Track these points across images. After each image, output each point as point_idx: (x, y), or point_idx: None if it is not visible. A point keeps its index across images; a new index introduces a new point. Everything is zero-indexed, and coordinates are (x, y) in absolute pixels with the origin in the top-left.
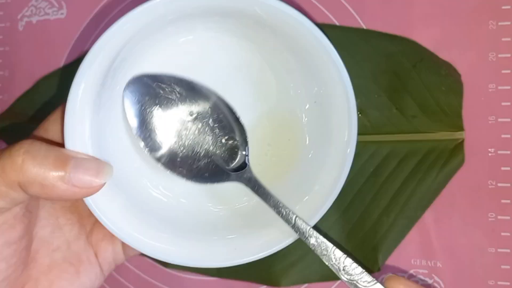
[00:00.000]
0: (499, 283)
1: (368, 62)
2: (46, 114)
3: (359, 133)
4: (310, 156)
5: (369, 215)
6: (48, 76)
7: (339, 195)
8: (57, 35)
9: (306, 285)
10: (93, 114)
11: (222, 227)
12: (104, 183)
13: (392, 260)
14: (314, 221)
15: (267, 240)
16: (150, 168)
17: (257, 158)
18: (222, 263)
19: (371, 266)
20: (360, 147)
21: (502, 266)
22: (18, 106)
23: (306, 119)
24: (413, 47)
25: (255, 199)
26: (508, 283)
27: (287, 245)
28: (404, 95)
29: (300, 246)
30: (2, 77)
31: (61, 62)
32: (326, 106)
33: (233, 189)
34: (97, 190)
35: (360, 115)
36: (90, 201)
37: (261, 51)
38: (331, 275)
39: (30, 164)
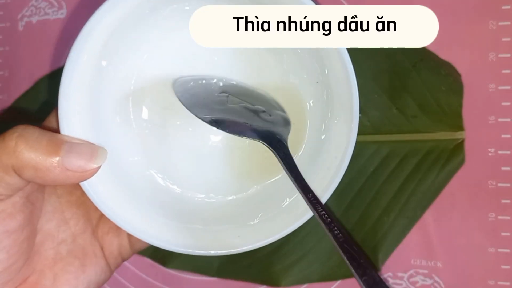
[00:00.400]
0: (499, 283)
1: (368, 62)
2: (46, 114)
3: (359, 133)
4: (315, 140)
5: (369, 215)
6: (48, 76)
7: (339, 195)
8: (57, 35)
9: (306, 285)
10: (91, 99)
11: (226, 217)
12: (98, 167)
13: (392, 260)
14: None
15: (269, 228)
16: (153, 158)
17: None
18: (228, 251)
19: None
20: (360, 147)
21: (502, 266)
22: (18, 106)
23: (310, 101)
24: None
25: (254, 189)
26: (508, 283)
27: (286, 234)
28: (404, 95)
29: (300, 246)
30: (2, 77)
31: (61, 62)
32: (328, 88)
33: (232, 181)
34: (91, 175)
35: (360, 115)
36: (91, 191)
37: None
38: (331, 275)
39: (23, 148)
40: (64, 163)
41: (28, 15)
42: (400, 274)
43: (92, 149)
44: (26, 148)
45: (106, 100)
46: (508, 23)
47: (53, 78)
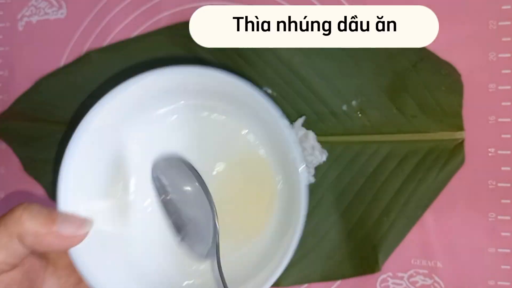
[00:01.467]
0: (499, 283)
1: (368, 62)
2: (46, 114)
3: (359, 133)
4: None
5: (369, 215)
6: (48, 76)
7: (339, 195)
8: (57, 35)
9: (306, 285)
10: (84, 183)
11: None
12: (87, 233)
13: (392, 260)
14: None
15: None
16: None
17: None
18: None
19: (371, 266)
20: (360, 147)
21: (502, 266)
22: (18, 106)
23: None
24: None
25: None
26: (508, 283)
27: None
28: (404, 95)
29: (300, 247)
30: (2, 77)
31: (61, 62)
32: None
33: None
34: (81, 240)
35: (360, 115)
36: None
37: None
38: (331, 275)
39: (27, 218)
40: (59, 229)
41: (28, 15)
42: (400, 274)
43: (81, 219)
44: (29, 218)
45: (96, 183)
46: (508, 23)
47: (53, 79)
